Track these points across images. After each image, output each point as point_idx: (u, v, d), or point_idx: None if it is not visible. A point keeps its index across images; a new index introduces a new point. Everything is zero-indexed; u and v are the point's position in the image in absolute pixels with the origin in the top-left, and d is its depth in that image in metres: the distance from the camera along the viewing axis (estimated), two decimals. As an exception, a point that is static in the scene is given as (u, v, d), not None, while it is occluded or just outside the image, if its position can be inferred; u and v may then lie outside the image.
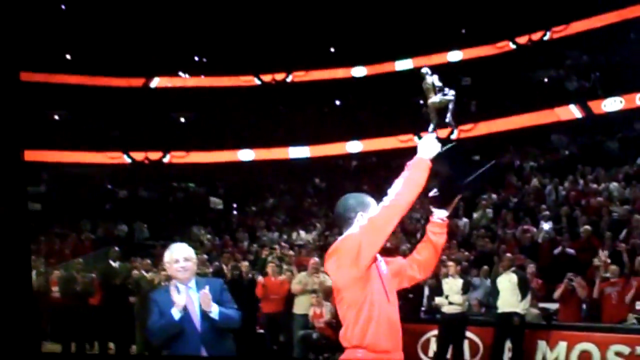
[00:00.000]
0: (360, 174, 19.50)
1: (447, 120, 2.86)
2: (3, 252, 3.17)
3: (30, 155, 15.33)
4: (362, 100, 21.12)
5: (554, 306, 8.74)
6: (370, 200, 2.78)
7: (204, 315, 3.57)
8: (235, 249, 13.42)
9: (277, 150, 20.39)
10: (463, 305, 8.26)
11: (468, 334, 8.37)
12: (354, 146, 20.16)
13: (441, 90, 2.86)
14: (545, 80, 19.45)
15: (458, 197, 2.91)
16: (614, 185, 12.44)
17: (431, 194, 2.81)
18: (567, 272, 8.59)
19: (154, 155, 20.11)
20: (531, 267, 8.82)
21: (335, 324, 8.74)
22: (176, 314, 3.53)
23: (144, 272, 9.97)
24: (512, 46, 19.59)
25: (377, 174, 19.08)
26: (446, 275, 8.37)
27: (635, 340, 7.44)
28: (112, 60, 20.23)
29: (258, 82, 21.61)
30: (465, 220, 12.71)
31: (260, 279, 9.71)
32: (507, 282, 8.02)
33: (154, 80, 21.40)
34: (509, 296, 7.94)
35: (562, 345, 7.84)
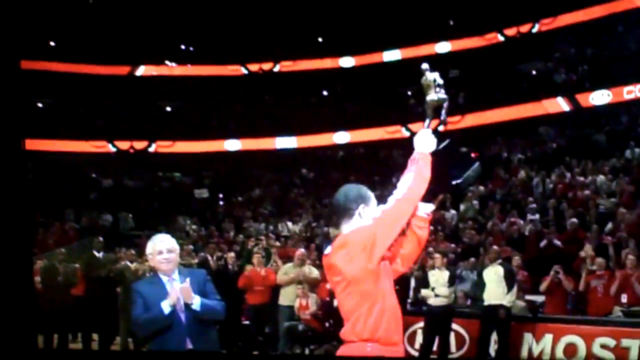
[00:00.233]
0: (347, 164, 19.45)
1: (441, 117, 2.93)
2: (5, 247, 3.09)
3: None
4: (350, 90, 21.05)
5: (540, 298, 8.74)
6: (370, 193, 2.77)
7: (187, 306, 3.54)
8: (221, 240, 13.32)
9: (264, 140, 20.30)
10: (449, 298, 8.23)
11: (454, 326, 8.35)
12: (341, 137, 20.11)
13: (441, 87, 2.91)
14: (534, 72, 19.48)
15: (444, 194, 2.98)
16: (601, 178, 12.47)
17: None
18: (553, 265, 8.59)
19: (139, 145, 19.95)
20: (517, 260, 8.80)
21: (321, 315, 8.69)
22: (167, 308, 3.50)
23: (128, 263, 9.85)
24: (501, 38, 19.60)
25: (364, 164, 19.06)
26: (432, 268, 8.34)
27: (620, 333, 7.44)
28: (97, 47, 19.98)
29: (245, 71, 21.47)
30: (452, 212, 12.70)
31: (244, 270, 9.63)
32: (493, 275, 8.00)
33: (139, 68, 21.19)
34: (495, 288, 7.92)
35: (548, 338, 7.84)
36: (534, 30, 19.00)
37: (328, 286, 9.33)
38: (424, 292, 8.34)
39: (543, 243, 10.20)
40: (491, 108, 18.10)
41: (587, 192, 11.85)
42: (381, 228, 2.58)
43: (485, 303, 8.00)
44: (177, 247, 3.70)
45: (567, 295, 8.56)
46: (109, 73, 20.48)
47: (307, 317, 8.66)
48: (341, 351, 2.66)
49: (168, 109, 22.02)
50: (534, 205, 11.66)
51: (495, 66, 19.35)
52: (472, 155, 15.78)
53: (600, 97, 16.66)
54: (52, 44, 20.35)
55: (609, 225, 10.22)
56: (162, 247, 3.62)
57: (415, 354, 8.40)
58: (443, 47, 20.05)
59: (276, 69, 21.43)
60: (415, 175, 2.64)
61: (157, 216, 16.42)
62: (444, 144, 2.87)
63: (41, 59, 19.21)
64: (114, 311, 9.46)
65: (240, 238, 13.30)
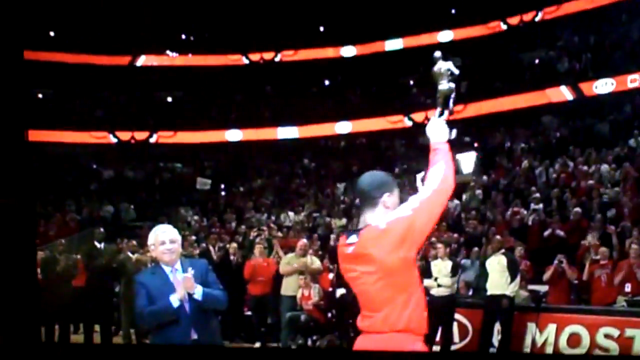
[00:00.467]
0: (349, 154, 19.38)
1: (449, 106, 2.94)
2: (8, 241, 3.07)
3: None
4: (352, 80, 20.94)
5: (543, 288, 8.70)
6: (394, 181, 2.75)
7: (189, 296, 3.53)
8: (223, 230, 13.29)
9: (265, 130, 20.22)
10: (452, 288, 8.20)
11: (457, 316, 8.32)
12: (343, 127, 20.02)
13: (454, 76, 2.91)
14: (537, 61, 19.33)
15: None
16: (604, 167, 12.40)
17: (420, 176, 2.83)
18: (556, 255, 8.55)
19: (140, 135, 19.88)
20: (520, 250, 8.76)
21: (323, 306, 8.66)
22: (176, 302, 3.50)
23: (129, 254, 9.82)
24: (504, 27, 19.45)
25: (366, 154, 19.00)
26: (435, 257, 8.30)
27: (624, 323, 7.41)
28: (98, 37, 19.87)
29: (246, 61, 21.36)
30: (455, 202, 12.64)
31: (248, 260, 9.60)
32: (496, 265, 7.96)
33: (140, 58, 21.07)
34: (498, 278, 7.89)
35: (552, 328, 7.80)
36: (537, 18, 18.84)
37: (330, 276, 9.32)
38: (426, 282, 8.28)
39: (546, 233, 10.15)
40: (494, 97, 17.98)
41: (590, 181, 11.78)
42: (421, 218, 2.55)
43: (488, 293, 7.96)
44: (179, 237, 3.69)
45: (570, 285, 8.52)
46: (109, 63, 20.37)
47: (310, 307, 8.63)
48: (366, 343, 2.61)
49: (169, 99, 21.93)
50: (538, 195, 11.58)
51: (498, 55, 19.23)
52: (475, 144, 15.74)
53: (603, 86, 16.53)
54: (51, 34, 20.24)
55: (612, 212, 10.17)
56: (164, 238, 3.60)
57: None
58: (445, 36, 19.90)
59: (277, 58, 21.31)
60: (447, 166, 2.63)
61: (159, 207, 16.39)
62: (453, 133, 2.87)
63: (41, 49, 19.12)
64: (116, 302, 9.46)
65: (242, 229, 13.26)
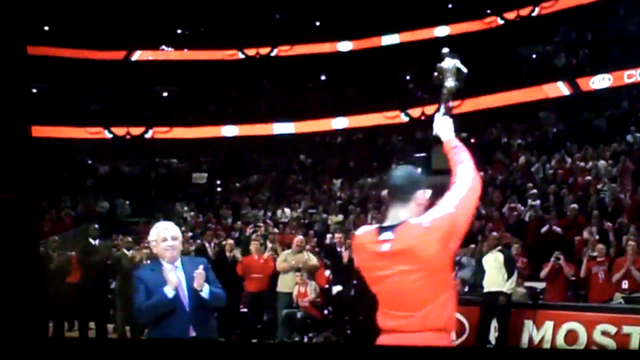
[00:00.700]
0: (346, 150, 19.33)
1: (450, 104, 2.94)
2: (13, 241, 3.04)
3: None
4: (348, 75, 20.86)
5: (540, 285, 8.68)
6: (428, 178, 2.75)
7: (194, 294, 3.57)
8: (219, 226, 13.23)
9: (262, 126, 20.15)
10: (449, 285, 8.15)
11: (454, 313, 8.28)
12: (339, 122, 19.95)
13: (461, 74, 2.90)
14: (534, 56, 19.29)
15: None
16: (601, 163, 12.36)
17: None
18: (554, 251, 8.52)
19: (136, 131, 19.78)
20: (517, 247, 8.74)
21: (319, 303, 8.62)
22: (170, 292, 3.53)
23: (125, 250, 9.77)
24: (500, 22, 19.39)
25: (363, 150, 18.95)
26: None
27: (621, 320, 7.39)
28: (92, 32, 19.72)
29: (242, 56, 21.25)
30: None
31: (241, 257, 9.55)
32: (493, 261, 7.94)
33: (135, 53, 20.95)
34: (495, 275, 7.86)
35: (549, 325, 7.78)
36: (534, 13, 18.78)
37: (327, 273, 9.27)
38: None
39: (544, 229, 10.12)
40: (491, 93, 17.92)
41: (588, 177, 11.75)
42: (462, 216, 2.54)
43: (485, 290, 7.93)
44: (180, 234, 3.75)
45: (567, 281, 8.50)
46: (104, 58, 20.25)
47: (306, 304, 8.59)
48: (397, 342, 2.54)
49: (164, 94, 21.83)
50: (535, 191, 11.54)
51: (495, 50, 19.16)
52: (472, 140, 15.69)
53: (600, 81, 16.51)
54: (46, 28, 20.09)
55: (610, 210, 10.14)
56: (166, 235, 3.64)
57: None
58: (442, 31, 19.82)
59: (273, 53, 21.21)
60: (473, 165, 2.64)
61: (154, 203, 16.33)
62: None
63: (35, 43, 18.97)
64: (111, 299, 9.41)
65: (238, 225, 13.22)
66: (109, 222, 14.11)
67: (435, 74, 2.98)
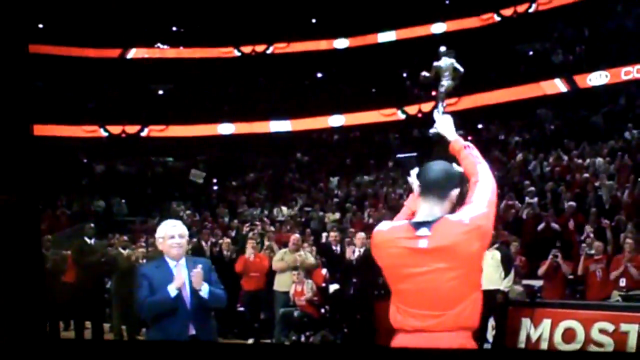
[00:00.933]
0: (342, 148, 19.28)
1: (444, 102, 2.96)
2: (15, 241, 3.01)
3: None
4: (345, 72, 20.81)
5: (538, 283, 8.64)
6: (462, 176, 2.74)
7: (194, 293, 3.62)
8: (215, 225, 13.18)
9: (258, 124, 20.09)
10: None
11: (451, 311, 8.24)
12: (336, 120, 19.91)
13: (457, 73, 2.93)
14: (531, 53, 19.27)
15: None
16: (599, 160, 12.34)
17: (415, 171, 2.79)
18: (551, 249, 8.49)
19: (132, 129, 19.71)
20: (515, 245, 8.70)
21: (317, 301, 8.58)
22: (173, 291, 3.59)
23: (121, 249, 9.73)
24: (497, 18, 19.36)
25: (360, 148, 18.91)
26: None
27: (619, 318, 7.35)
28: (88, 29, 19.63)
29: (238, 53, 21.18)
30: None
31: (241, 255, 9.52)
32: (490, 259, 7.87)
33: (131, 51, 20.85)
34: (492, 273, 7.80)
35: (546, 323, 7.74)
36: (531, 10, 18.75)
37: (324, 271, 9.23)
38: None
39: (541, 226, 10.09)
40: (488, 90, 17.91)
41: (585, 174, 11.72)
42: (493, 215, 2.54)
43: (482, 288, 7.87)
44: (187, 233, 3.85)
45: (565, 279, 8.47)
46: (99, 56, 20.16)
47: (303, 303, 8.56)
48: (424, 343, 2.47)
49: (160, 92, 21.75)
50: (533, 189, 11.51)
51: (492, 47, 19.13)
52: (469, 138, 15.63)
53: (597, 78, 16.49)
54: (40, 26, 19.99)
55: (607, 207, 10.12)
56: (174, 232, 3.72)
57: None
58: (439, 27, 19.79)
59: (269, 50, 21.15)
60: (488, 165, 2.65)
61: (151, 202, 16.27)
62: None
63: (30, 42, 18.85)
64: (107, 298, 9.38)
65: (235, 223, 13.17)
66: (105, 221, 14.04)
67: (425, 74, 2.99)
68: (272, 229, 11.94)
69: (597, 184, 11.11)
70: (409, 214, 2.71)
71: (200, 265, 3.65)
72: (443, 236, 2.43)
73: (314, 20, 21.31)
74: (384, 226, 2.60)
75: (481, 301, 2.51)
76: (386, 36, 20.48)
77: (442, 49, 2.96)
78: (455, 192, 2.54)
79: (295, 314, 8.58)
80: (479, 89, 17.98)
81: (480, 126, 17.94)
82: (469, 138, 16.05)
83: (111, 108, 19.85)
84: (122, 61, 20.69)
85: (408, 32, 19.90)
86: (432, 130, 2.95)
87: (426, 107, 17.19)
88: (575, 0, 17.82)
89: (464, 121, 16.35)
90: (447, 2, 20.21)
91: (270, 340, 8.80)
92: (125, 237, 10.62)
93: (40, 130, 18.17)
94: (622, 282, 7.91)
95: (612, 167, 11.95)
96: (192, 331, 3.62)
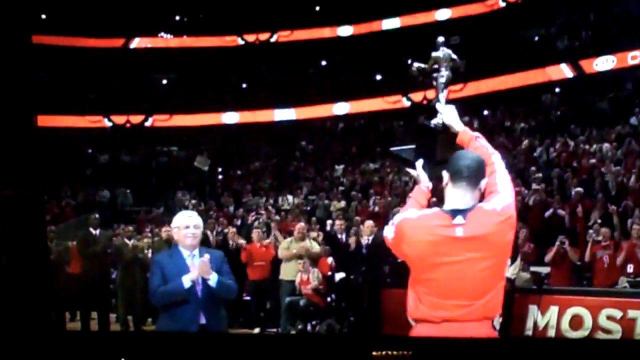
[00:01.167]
0: (347, 136, 19.21)
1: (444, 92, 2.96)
2: (20, 234, 3.00)
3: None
4: (349, 60, 20.69)
5: (545, 270, 8.59)
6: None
7: (205, 282, 3.68)
8: (221, 214, 13.17)
9: (262, 112, 20.02)
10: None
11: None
12: (340, 108, 19.82)
13: (455, 63, 2.93)
14: (536, 38, 19.10)
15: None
16: (606, 146, 12.24)
17: (420, 163, 2.82)
18: (558, 235, 8.44)
19: (136, 119, 19.69)
20: (524, 232, 8.65)
21: (322, 290, 8.57)
22: (187, 282, 3.63)
23: (126, 239, 9.74)
24: (502, 4, 19.15)
25: (365, 135, 18.84)
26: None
27: (627, 304, 7.30)
28: (91, 20, 19.56)
29: (242, 42, 21.07)
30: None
31: (244, 243, 9.51)
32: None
33: (134, 40, 20.78)
34: (498, 261, 7.77)
35: (554, 310, 7.69)
36: (537, -5, 18.58)
37: (329, 260, 9.21)
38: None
39: (548, 213, 10.02)
40: (493, 76, 17.78)
41: (592, 160, 11.63)
42: (514, 205, 2.55)
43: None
44: (202, 224, 3.89)
45: (572, 266, 8.43)
46: (102, 46, 20.10)
47: (309, 292, 8.56)
48: (454, 333, 2.45)
49: (164, 81, 21.70)
50: (539, 175, 11.43)
51: (497, 33, 18.97)
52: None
53: (604, 63, 16.32)
54: (43, 16, 19.93)
55: (614, 193, 10.05)
56: (189, 222, 3.77)
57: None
58: (443, 14, 19.63)
59: (273, 39, 21.03)
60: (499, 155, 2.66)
61: (156, 191, 16.27)
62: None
63: (32, 32, 18.81)
64: (112, 289, 9.39)
65: (240, 212, 13.15)
66: (110, 211, 14.05)
67: (418, 65, 2.98)
68: (278, 217, 11.92)
69: (603, 169, 11.02)
70: (419, 207, 2.67)
71: (207, 255, 3.69)
72: (479, 225, 2.41)
73: (317, 8, 21.16)
74: (411, 214, 2.54)
75: (504, 290, 2.50)
76: (390, 23, 20.33)
77: (440, 39, 2.96)
78: (484, 181, 2.52)
79: (301, 302, 8.57)
80: (484, 75, 17.86)
81: (485, 112, 17.83)
82: (474, 126, 16.01)
83: (115, 98, 19.82)
84: (125, 51, 20.63)
85: (412, 19, 19.74)
86: (434, 121, 2.91)
87: (431, 94, 17.06)
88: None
89: (469, 108, 16.28)
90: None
91: (276, 329, 8.80)
92: (130, 228, 10.61)
93: (44, 121, 18.23)
94: (630, 268, 7.87)
95: (619, 152, 11.84)
96: (203, 320, 3.66)
